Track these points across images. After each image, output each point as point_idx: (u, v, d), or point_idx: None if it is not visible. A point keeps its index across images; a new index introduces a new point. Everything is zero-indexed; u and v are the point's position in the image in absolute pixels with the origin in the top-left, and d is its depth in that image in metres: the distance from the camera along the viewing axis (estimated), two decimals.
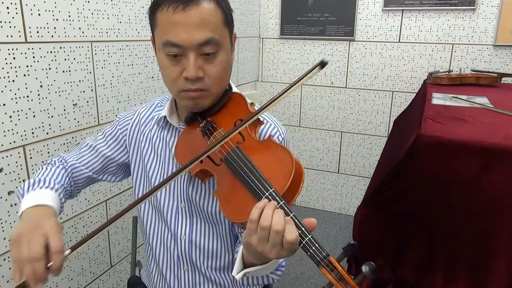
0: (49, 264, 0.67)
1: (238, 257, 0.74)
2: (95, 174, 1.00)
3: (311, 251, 0.61)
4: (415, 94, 2.36)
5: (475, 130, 1.24)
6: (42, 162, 0.99)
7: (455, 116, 1.39)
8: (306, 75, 0.68)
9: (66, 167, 0.97)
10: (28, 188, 0.85)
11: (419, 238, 1.25)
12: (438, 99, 1.71)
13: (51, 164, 0.97)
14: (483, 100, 1.66)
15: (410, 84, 2.56)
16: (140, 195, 1.00)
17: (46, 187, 0.85)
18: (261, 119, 0.87)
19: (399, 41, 2.53)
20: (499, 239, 1.15)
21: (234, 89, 0.94)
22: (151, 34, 0.87)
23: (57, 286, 1.39)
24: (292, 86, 0.70)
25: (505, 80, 2.22)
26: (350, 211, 2.88)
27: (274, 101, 0.70)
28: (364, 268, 0.58)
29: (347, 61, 2.68)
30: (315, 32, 2.70)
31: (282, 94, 0.70)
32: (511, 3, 2.24)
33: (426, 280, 1.25)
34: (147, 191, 0.98)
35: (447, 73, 2.27)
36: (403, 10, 2.47)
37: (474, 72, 2.23)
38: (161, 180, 0.95)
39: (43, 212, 0.78)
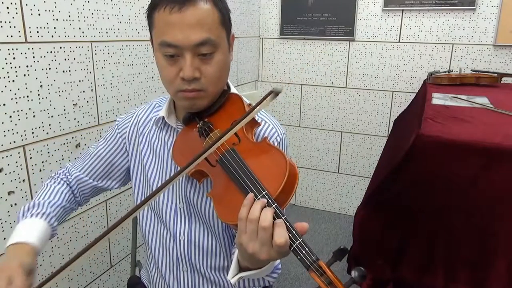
0: None
1: (234, 260, 0.74)
2: (99, 181, 1.02)
3: (301, 255, 0.61)
4: (415, 94, 2.36)
5: (475, 130, 1.24)
6: (49, 176, 1.04)
7: (455, 116, 1.39)
8: (260, 103, 0.72)
9: (70, 179, 1.01)
10: (24, 213, 0.90)
11: (419, 238, 1.25)
12: (438, 99, 1.71)
13: (54, 179, 1.01)
14: (483, 100, 1.66)
15: (410, 84, 2.56)
16: (139, 196, 1.00)
17: (38, 214, 0.88)
18: (259, 120, 0.87)
19: (399, 41, 2.53)
20: (499, 239, 1.15)
21: (233, 90, 0.93)
22: (149, 34, 0.87)
23: (57, 286, 1.39)
24: (247, 115, 0.73)
25: (505, 80, 2.22)
26: (350, 211, 2.88)
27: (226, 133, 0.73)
28: (354, 273, 0.59)
29: (347, 61, 2.68)
30: (315, 32, 2.70)
31: (241, 121, 0.73)
32: (511, 3, 2.24)
33: (426, 280, 1.25)
34: (146, 192, 0.98)
35: (447, 73, 2.27)
36: (403, 10, 2.47)
37: (474, 72, 2.23)
38: (160, 181, 0.95)
39: (17, 251, 0.81)
